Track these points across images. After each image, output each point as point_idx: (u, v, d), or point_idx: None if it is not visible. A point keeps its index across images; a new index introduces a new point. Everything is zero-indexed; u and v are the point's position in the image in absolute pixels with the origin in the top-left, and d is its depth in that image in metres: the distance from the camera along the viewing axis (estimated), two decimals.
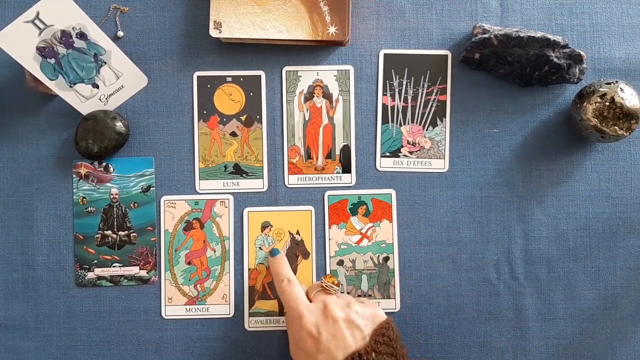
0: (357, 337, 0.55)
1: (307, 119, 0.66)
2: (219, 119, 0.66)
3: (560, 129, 0.66)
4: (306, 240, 0.65)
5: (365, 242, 0.66)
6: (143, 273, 0.65)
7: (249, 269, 0.65)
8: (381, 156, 0.66)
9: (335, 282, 0.60)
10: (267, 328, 0.65)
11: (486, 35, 0.63)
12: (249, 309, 0.65)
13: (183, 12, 0.66)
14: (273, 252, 0.63)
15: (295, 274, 0.65)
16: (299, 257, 0.65)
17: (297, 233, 0.65)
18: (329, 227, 0.66)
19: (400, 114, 0.66)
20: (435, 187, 0.66)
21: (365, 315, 0.56)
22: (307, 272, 0.65)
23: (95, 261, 0.65)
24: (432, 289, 0.65)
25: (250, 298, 0.65)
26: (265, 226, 0.66)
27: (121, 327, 0.65)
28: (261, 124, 0.66)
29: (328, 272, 0.65)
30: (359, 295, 0.65)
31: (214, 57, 0.66)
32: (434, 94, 0.66)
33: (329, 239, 0.66)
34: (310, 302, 0.59)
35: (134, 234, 0.65)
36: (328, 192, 0.66)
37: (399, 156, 0.66)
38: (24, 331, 0.65)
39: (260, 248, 0.65)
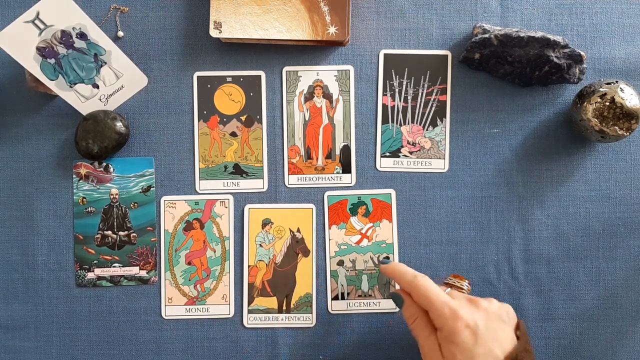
0: (506, 332, 0.52)
1: (307, 119, 0.66)
2: (219, 119, 0.66)
3: (560, 129, 0.66)
4: (307, 238, 0.65)
5: (365, 242, 0.66)
6: (143, 273, 0.65)
7: (248, 266, 0.65)
8: (381, 156, 0.66)
9: (466, 282, 0.58)
10: (265, 325, 0.65)
11: (486, 35, 0.63)
12: (248, 306, 0.65)
13: (183, 12, 0.66)
14: (385, 262, 0.59)
15: (295, 271, 0.65)
16: (299, 255, 0.65)
17: (298, 231, 0.65)
18: (329, 228, 0.66)
19: (400, 114, 0.66)
20: (435, 187, 0.66)
21: (502, 310, 0.54)
22: (307, 270, 0.65)
23: (95, 261, 0.65)
24: None
25: (249, 295, 0.65)
26: (265, 223, 0.66)
27: (121, 327, 0.65)
28: (261, 124, 0.66)
29: (328, 272, 0.65)
30: (359, 296, 0.65)
31: (214, 57, 0.66)
32: (434, 94, 0.66)
33: (329, 239, 0.66)
34: None
35: (134, 234, 0.65)
36: (328, 192, 0.66)
37: (399, 156, 0.66)
38: (24, 331, 0.65)
39: (260, 245, 0.65)
